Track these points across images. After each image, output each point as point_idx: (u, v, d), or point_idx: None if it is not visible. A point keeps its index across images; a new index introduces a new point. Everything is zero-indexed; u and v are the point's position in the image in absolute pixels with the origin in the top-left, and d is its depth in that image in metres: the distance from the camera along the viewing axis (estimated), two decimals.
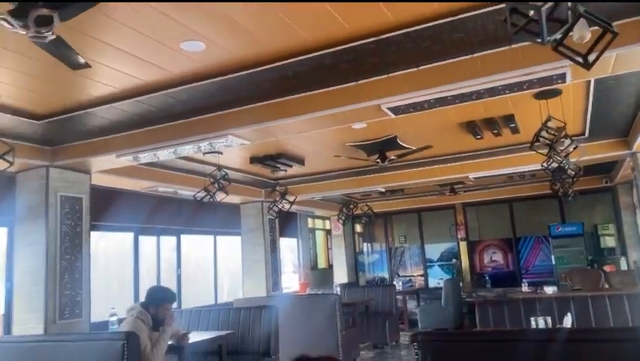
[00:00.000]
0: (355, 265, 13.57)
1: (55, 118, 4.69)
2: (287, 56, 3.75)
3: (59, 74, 3.66)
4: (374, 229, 13.72)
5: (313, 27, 3.38)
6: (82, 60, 2.80)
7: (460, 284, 10.57)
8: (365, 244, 13.96)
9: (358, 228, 13.91)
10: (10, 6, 2.26)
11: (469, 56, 3.75)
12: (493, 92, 4.03)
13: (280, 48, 3.64)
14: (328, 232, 13.45)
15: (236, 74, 3.96)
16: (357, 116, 4.69)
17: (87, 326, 5.49)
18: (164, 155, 5.35)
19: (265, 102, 4.47)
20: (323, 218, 13.34)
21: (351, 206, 11.87)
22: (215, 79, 4.02)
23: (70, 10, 2.19)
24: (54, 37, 2.37)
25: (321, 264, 13.12)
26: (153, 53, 3.55)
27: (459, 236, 12.51)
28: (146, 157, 5.39)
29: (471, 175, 8.25)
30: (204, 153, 5.96)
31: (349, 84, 4.16)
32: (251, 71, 3.91)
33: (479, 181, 9.55)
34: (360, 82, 4.12)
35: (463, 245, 12.45)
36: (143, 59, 3.62)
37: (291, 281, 11.53)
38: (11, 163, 4.08)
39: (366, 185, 8.90)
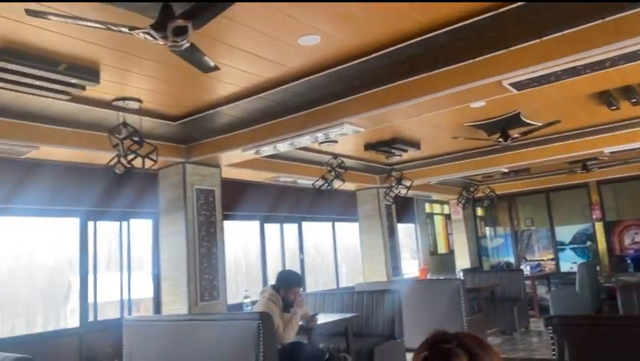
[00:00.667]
0: (478, 250, 13.10)
1: (188, 119, 5.15)
2: (400, 40, 3.73)
3: (191, 77, 4.00)
4: (497, 212, 13.11)
5: (425, 7, 3.33)
6: (212, 63, 3.04)
7: (597, 268, 9.75)
8: (487, 228, 13.41)
9: (480, 211, 13.39)
10: (151, 21, 2.53)
11: (600, 21, 3.44)
12: (631, 57, 3.66)
13: (393, 33, 3.64)
14: (447, 217, 13.12)
15: (350, 64, 4.03)
16: (476, 95, 4.53)
17: (224, 307, 5.99)
18: (283, 147, 5.61)
19: (379, 88, 4.49)
20: (441, 202, 13.04)
21: (472, 189, 11.45)
22: (330, 70, 4.12)
23: (202, 18, 2.40)
24: (188, 44, 2.61)
25: (441, 249, 12.87)
26: (273, 51, 3.74)
27: (594, 217, 11.52)
28: (266, 150, 5.70)
29: (606, 150, 7.54)
30: (320, 143, 6.15)
31: (466, 62, 4.02)
32: (364, 59, 3.96)
33: (616, 156, 8.70)
34: (477, 59, 3.97)
35: (599, 226, 11.45)
36: (264, 57, 3.84)
37: (411, 267, 11.47)
38: (155, 161, 4.56)
39: (487, 166, 8.54)
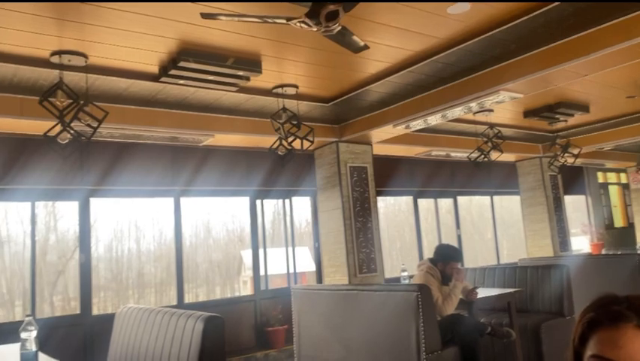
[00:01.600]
0: None
1: (340, 99, 5.35)
2: None
3: (342, 59, 4.16)
4: None
5: None
6: (362, 43, 3.14)
7: None
8: None
9: None
10: (305, 9, 2.70)
11: None
12: None
13: None
14: (625, 186, 11.72)
15: (504, 27, 3.82)
16: None
17: (382, 280, 6.18)
18: (434, 119, 5.53)
19: (539, 50, 4.18)
20: (617, 171, 11.68)
21: None
22: (482, 36, 3.95)
23: (352, 1, 2.50)
24: (339, 27, 2.73)
25: (618, 223, 11.56)
26: (422, 23, 3.71)
27: None
28: (417, 124, 5.68)
29: None
30: (475, 113, 5.93)
31: None
32: (519, 20, 3.72)
33: None
34: None
35: None
36: (412, 31, 3.82)
37: (581, 243, 10.52)
38: (312, 142, 4.86)
39: None
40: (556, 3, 3.49)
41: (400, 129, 5.83)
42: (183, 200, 6.22)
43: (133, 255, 7.90)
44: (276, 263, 6.98)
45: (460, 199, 8.93)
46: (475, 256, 9.15)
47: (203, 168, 6.01)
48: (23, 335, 2.66)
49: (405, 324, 3.86)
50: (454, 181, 8.66)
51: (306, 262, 7.40)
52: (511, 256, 9.26)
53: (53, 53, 3.59)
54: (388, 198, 8.26)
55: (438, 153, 7.73)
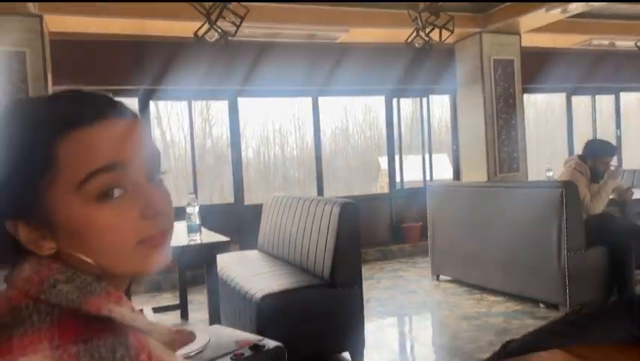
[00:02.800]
0: None
1: None
2: None
3: None
4: None
5: None
6: None
7: None
8: None
9: None
10: None
11: None
12: None
13: None
14: None
15: None
16: None
17: (525, 179, 5.89)
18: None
19: None
20: None
21: None
22: None
23: None
24: None
25: None
26: None
27: None
28: (576, 7, 5.01)
29: None
30: None
31: None
32: None
33: None
34: None
35: None
36: None
37: None
38: (452, 31, 4.57)
39: None
40: None
41: (554, 14, 5.21)
42: (321, 99, 6.38)
43: (278, 160, 8.48)
44: (412, 170, 6.99)
45: (625, 97, 7.91)
46: (638, 159, 8.22)
47: (340, 66, 6.04)
48: (188, 209, 3.08)
49: (547, 222, 3.72)
50: (617, 75, 7.64)
51: (443, 170, 7.30)
52: None
53: None
54: (538, 97, 7.61)
55: (600, 42, 6.79)
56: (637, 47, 5.75)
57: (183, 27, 4.60)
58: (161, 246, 0.58)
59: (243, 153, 6.19)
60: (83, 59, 4.99)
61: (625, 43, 6.59)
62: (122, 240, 0.55)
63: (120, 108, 0.59)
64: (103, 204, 0.54)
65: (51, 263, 0.55)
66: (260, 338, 1.50)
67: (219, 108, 6.32)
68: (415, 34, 4.66)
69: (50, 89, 4.20)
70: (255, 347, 1.41)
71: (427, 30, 4.57)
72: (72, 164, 0.54)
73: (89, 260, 0.55)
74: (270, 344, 1.47)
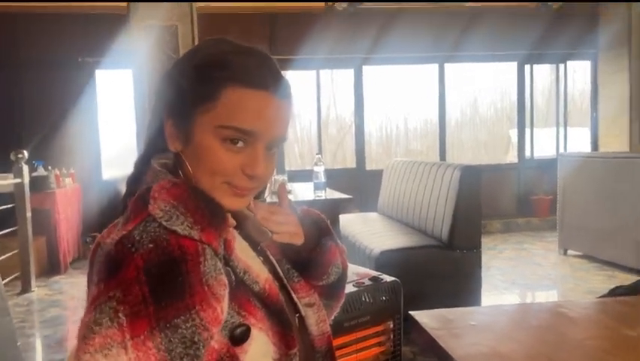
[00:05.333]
0: None
1: None
2: None
3: None
4: None
5: None
6: None
7: None
8: None
9: None
10: None
11: None
12: None
13: None
14: None
15: None
16: None
17: None
18: None
19: None
20: None
21: None
22: None
23: None
24: None
25: None
26: None
27: None
28: None
29: None
30: None
31: None
32: None
33: None
34: None
35: None
36: None
37: None
38: None
39: None
40: None
41: None
42: (447, 66, 6.26)
43: (401, 131, 8.46)
44: (544, 145, 6.60)
45: None
46: None
47: (468, 31, 5.86)
48: (315, 168, 3.32)
49: None
50: None
51: (579, 146, 6.78)
52: None
53: None
54: None
55: None
56: None
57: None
58: (238, 196, 0.72)
59: (366, 122, 6.33)
60: (224, 32, 5.43)
61: None
62: (217, 171, 0.70)
63: (282, 86, 0.72)
64: (225, 144, 0.69)
65: (157, 167, 0.73)
66: (378, 273, 1.66)
67: (344, 77, 6.49)
68: None
69: None
70: (375, 279, 1.56)
71: None
72: (224, 109, 0.68)
73: (190, 169, 0.71)
74: (388, 278, 1.61)
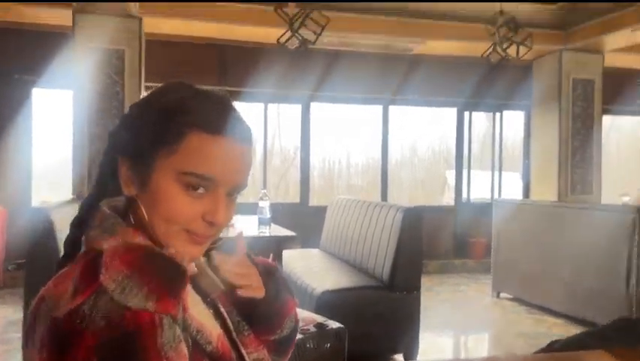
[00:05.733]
0: None
1: (568, 1, 4.80)
2: None
3: None
4: None
5: None
6: None
7: None
8: None
9: None
10: None
11: None
12: None
13: None
14: None
15: None
16: None
17: (598, 203, 5.68)
18: None
19: None
20: None
21: None
22: None
23: None
24: None
25: None
26: None
27: None
28: None
29: None
30: None
31: None
32: None
33: None
34: None
35: None
36: None
37: None
38: (530, 48, 4.54)
39: None
40: None
41: None
42: (392, 108, 6.47)
43: (343, 166, 8.62)
44: (479, 187, 6.90)
45: None
46: None
47: (411, 76, 6.10)
48: (260, 203, 3.29)
49: (617, 246, 3.62)
50: None
51: (512, 189, 7.13)
52: None
53: None
54: (623, 118, 7.29)
55: None
56: None
57: (265, 33, 4.86)
58: (196, 244, 0.70)
59: (311, 157, 6.39)
60: (172, 59, 5.38)
61: None
62: (176, 217, 0.68)
63: (244, 132, 0.72)
64: (185, 190, 0.67)
65: (99, 212, 0.70)
66: (324, 318, 1.64)
67: (290, 111, 6.57)
68: (491, 49, 4.66)
69: (143, 85, 4.58)
70: (320, 326, 1.54)
71: (505, 45, 4.57)
72: (186, 155, 0.67)
73: (145, 215, 0.69)
74: (333, 324, 1.60)
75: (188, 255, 0.69)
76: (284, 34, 4.18)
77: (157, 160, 0.68)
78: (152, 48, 4.87)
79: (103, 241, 0.65)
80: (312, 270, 3.54)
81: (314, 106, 6.27)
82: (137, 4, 4.36)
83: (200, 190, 0.68)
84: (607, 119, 6.66)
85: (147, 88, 5.05)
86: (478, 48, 5.08)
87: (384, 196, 6.53)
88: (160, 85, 0.76)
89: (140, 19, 4.50)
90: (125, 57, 4.42)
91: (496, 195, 6.64)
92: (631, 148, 7.58)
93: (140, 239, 0.67)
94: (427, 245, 5.54)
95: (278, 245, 3.06)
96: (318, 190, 7.83)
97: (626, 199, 5.21)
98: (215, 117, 0.69)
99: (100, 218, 0.69)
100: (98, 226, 0.67)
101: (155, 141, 0.68)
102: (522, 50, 4.56)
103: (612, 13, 4.96)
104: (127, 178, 0.70)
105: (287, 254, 3.67)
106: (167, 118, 0.68)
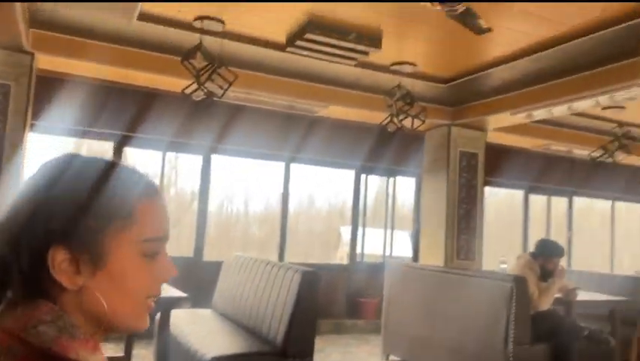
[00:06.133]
0: None
1: (457, 81, 5.29)
2: None
3: (463, 40, 4.11)
4: None
5: None
6: (485, 25, 3.11)
7: None
8: None
9: None
10: None
11: None
12: None
13: None
14: None
15: None
16: None
17: (479, 269, 6.08)
18: (559, 111, 5.25)
19: None
20: None
21: None
22: (620, 25, 3.70)
23: None
24: (464, 8, 2.74)
25: None
26: (551, 8, 3.56)
27: None
28: (539, 114, 5.42)
29: None
30: (603, 108, 5.53)
31: None
32: None
33: None
34: None
35: None
36: (541, 15, 3.68)
37: None
38: (423, 121, 4.88)
39: None
40: None
41: (519, 118, 5.61)
42: (293, 166, 6.56)
43: (241, 215, 8.51)
44: (373, 244, 7.14)
45: (578, 201, 8.40)
46: (586, 261, 8.59)
47: (313, 136, 6.27)
48: None
49: (496, 313, 3.85)
50: (571, 180, 8.15)
51: (403, 247, 7.47)
52: (633, 267, 8.55)
53: (196, 18, 3.99)
54: (500, 190, 8.01)
55: (558, 147, 7.30)
56: (590, 157, 6.20)
57: (170, 82, 4.76)
58: (151, 307, 0.69)
59: (209, 207, 6.22)
60: (65, 99, 5.05)
61: (581, 152, 7.10)
62: (143, 289, 0.67)
63: (156, 185, 0.74)
64: (146, 260, 0.67)
65: (42, 305, 0.61)
66: None
67: (189, 160, 6.43)
68: (389, 119, 4.94)
69: (29, 125, 4.22)
70: None
71: (401, 117, 4.87)
72: (142, 223, 0.67)
73: (103, 303, 0.63)
74: None
75: (146, 324, 0.69)
76: (190, 85, 4.12)
77: (111, 238, 0.65)
78: (42, 85, 4.55)
79: (63, 343, 0.59)
80: (202, 333, 3.35)
81: (216, 158, 6.17)
82: (30, 39, 4.07)
83: (155, 255, 0.69)
84: (487, 190, 7.27)
85: (33, 126, 4.66)
86: (377, 117, 5.36)
87: (282, 250, 6.48)
88: (53, 160, 0.69)
89: (33, 55, 4.20)
90: (10, 93, 4.06)
91: (388, 252, 6.87)
92: (508, 218, 8.31)
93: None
94: (320, 305, 5.54)
95: (167, 307, 2.87)
96: (213, 240, 7.60)
97: (503, 266, 5.63)
98: (147, 180, 0.71)
99: (51, 313, 0.61)
100: (52, 322, 0.60)
101: (106, 219, 0.65)
102: (416, 122, 4.88)
103: (495, 96, 5.52)
104: (68, 270, 0.63)
105: (175, 315, 3.45)
106: (110, 194, 0.66)
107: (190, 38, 4.22)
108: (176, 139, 5.73)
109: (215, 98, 4.20)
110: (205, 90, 4.05)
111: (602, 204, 8.76)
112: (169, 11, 3.98)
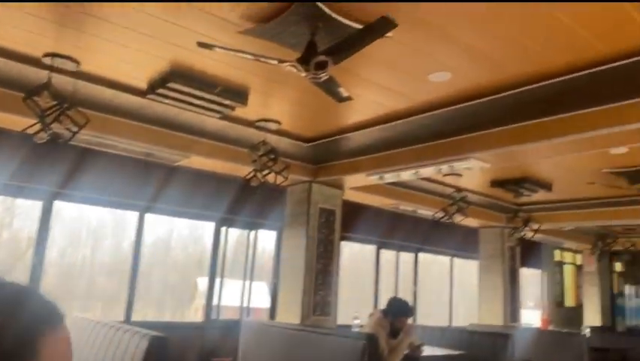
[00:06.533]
0: (612, 308, 11.86)
1: (319, 141, 5.52)
2: (534, 80, 3.70)
3: (326, 105, 4.31)
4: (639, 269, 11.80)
5: (563, 50, 3.28)
6: (345, 94, 3.30)
7: None
8: (627, 286, 12.10)
9: (618, 266, 12.15)
10: (297, 54, 2.85)
11: None
12: None
13: (526, 73, 3.62)
14: (579, 268, 12.10)
15: (480, 100, 4.07)
16: (618, 141, 4.28)
17: (334, 324, 6.19)
18: (407, 175, 5.72)
19: (509, 126, 4.42)
20: (573, 251, 12.08)
21: (609, 240, 10.48)
22: (458, 105, 4.19)
23: (341, 55, 2.66)
24: (327, 77, 2.89)
25: (569, 302, 11.88)
26: (403, 84, 3.93)
27: None
28: (390, 177, 5.85)
29: None
30: (444, 175, 6.15)
31: (608, 106, 3.83)
32: (495, 96, 3.97)
33: None
34: (623, 103, 3.76)
35: None
36: (394, 90, 4.03)
37: (532, 316, 10.76)
38: (286, 178, 4.96)
39: (628, 217, 7.81)
40: (534, 85, 3.75)
41: (372, 179, 5.99)
42: (147, 216, 6.17)
43: (86, 264, 7.73)
44: (231, 294, 6.93)
45: (423, 256, 9.08)
46: (430, 314, 9.25)
47: (170, 185, 6.01)
48: None
49: None
50: (415, 236, 8.82)
51: (261, 298, 7.36)
52: (467, 319, 9.38)
53: (46, 55, 3.65)
54: (354, 244, 8.36)
55: (406, 207, 7.91)
56: (433, 217, 6.80)
57: (9, 119, 4.25)
58: None
59: (49, 255, 5.54)
60: None
61: (426, 212, 7.77)
62: None
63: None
64: None
65: None
66: None
67: (28, 204, 5.72)
68: (253, 173, 4.94)
69: None
70: None
71: (264, 173, 4.89)
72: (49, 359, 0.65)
73: None
74: None
75: None
76: (33, 125, 3.71)
77: None
78: None
79: None
80: None
81: (57, 204, 5.56)
82: None
83: None
84: (342, 244, 7.55)
85: None
86: (239, 169, 5.33)
87: (129, 306, 5.96)
88: None
89: None
90: None
91: (246, 304, 6.69)
92: (361, 271, 8.68)
93: None
94: None
95: None
96: (51, 292, 6.73)
97: (357, 321, 5.79)
98: (52, 310, 0.70)
99: None
100: None
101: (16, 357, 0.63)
102: (279, 178, 4.94)
103: (352, 158, 5.85)
104: None
105: None
106: (19, 332, 0.64)
107: (38, 75, 3.85)
108: (11, 182, 5.07)
109: (62, 141, 3.82)
110: (50, 132, 3.67)
111: (442, 260, 9.59)
112: (15, 45, 3.59)
